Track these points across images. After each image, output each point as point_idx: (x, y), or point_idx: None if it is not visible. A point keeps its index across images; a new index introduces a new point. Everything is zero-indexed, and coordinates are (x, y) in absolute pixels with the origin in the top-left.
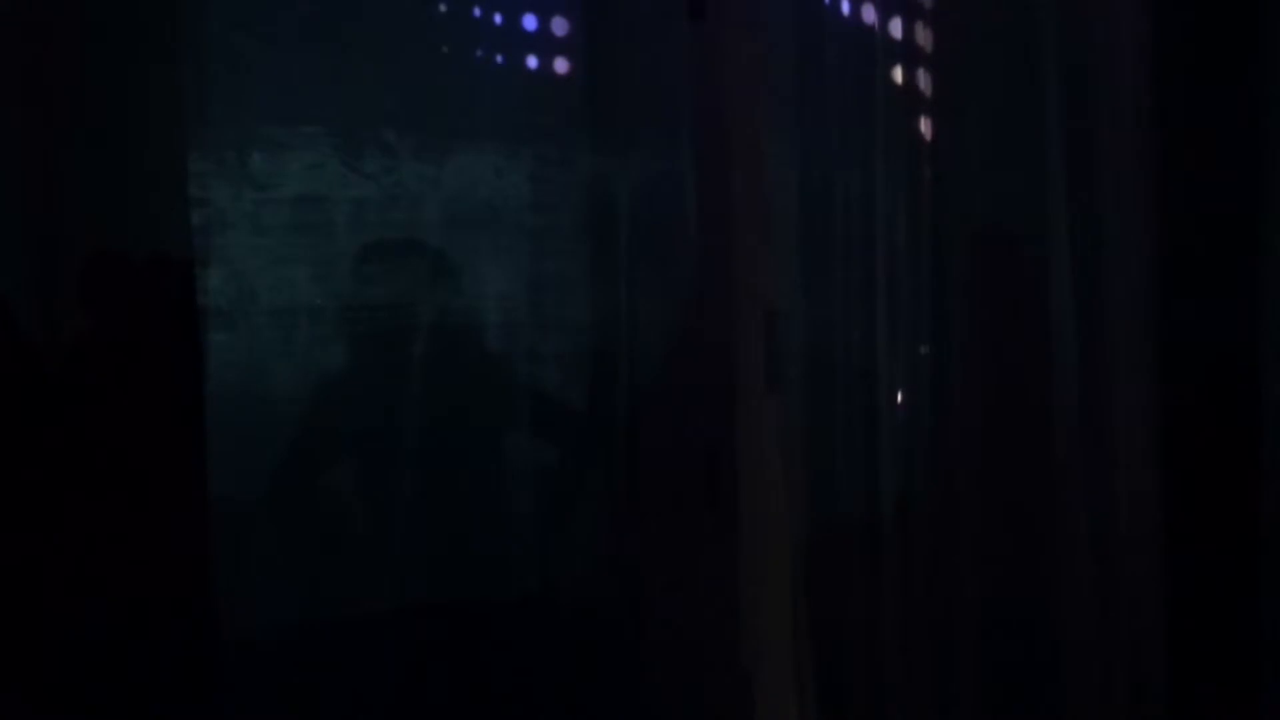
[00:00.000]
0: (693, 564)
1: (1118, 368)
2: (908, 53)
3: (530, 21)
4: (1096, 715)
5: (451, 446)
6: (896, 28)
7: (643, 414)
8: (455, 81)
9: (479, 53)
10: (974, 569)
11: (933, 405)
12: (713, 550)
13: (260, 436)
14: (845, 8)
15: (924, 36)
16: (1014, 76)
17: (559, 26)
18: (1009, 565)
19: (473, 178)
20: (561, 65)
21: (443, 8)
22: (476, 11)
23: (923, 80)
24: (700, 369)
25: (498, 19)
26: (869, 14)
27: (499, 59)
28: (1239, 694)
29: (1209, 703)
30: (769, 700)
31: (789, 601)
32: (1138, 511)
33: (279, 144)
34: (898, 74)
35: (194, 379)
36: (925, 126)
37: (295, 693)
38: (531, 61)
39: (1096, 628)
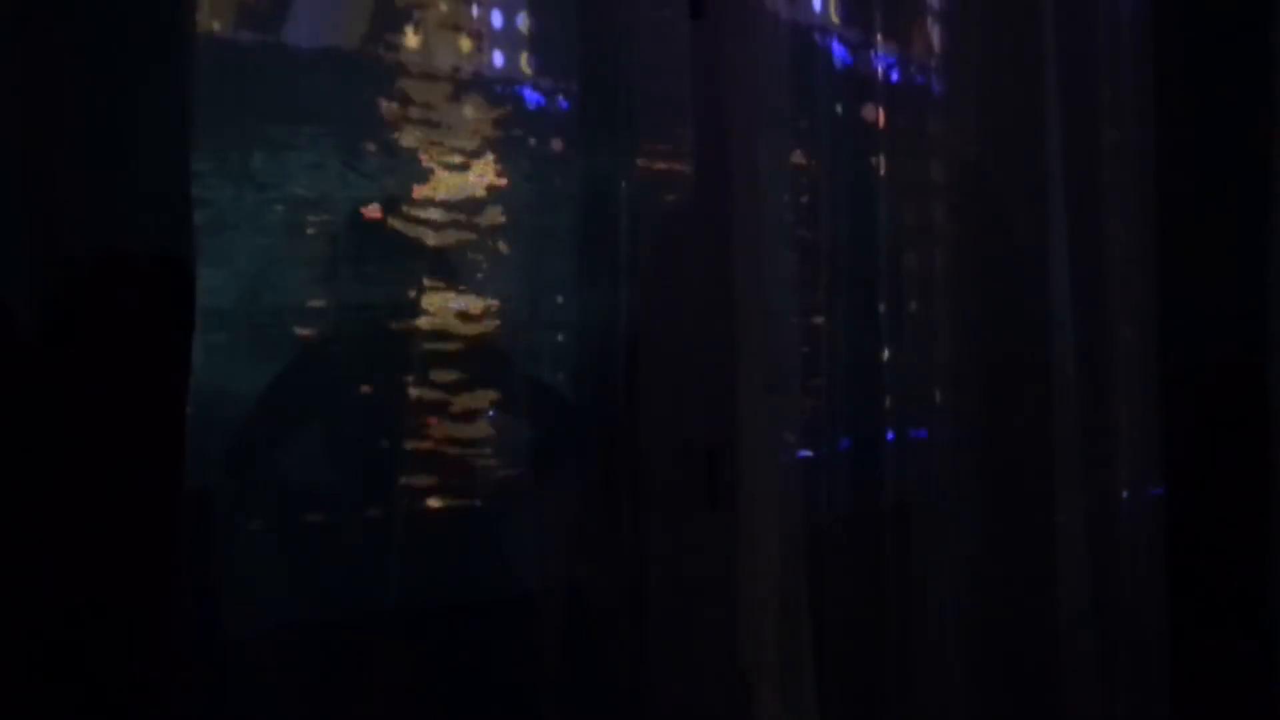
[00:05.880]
0: (693, 564)
1: (1119, 367)
2: (907, 53)
3: (529, 21)
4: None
5: (450, 446)
6: (896, 28)
7: (643, 414)
8: (454, 81)
9: (478, 52)
10: (974, 569)
11: (932, 404)
12: (713, 550)
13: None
14: (845, 8)
15: (924, 36)
16: (1014, 76)
17: (558, 27)
18: (1009, 566)
19: (473, 178)
20: (561, 65)
21: (443, 8)
22: (475, 11)
23: (922, 80)
24: (700, 369)
25: (496, 19)
26: (869, 14)
27: (498, 58)
28: (1242, 697)
29: (1212, 706)
30: (769, 700)
31: (789, 601)
32: (1139, 512)
33: (279, 144)
34: (897, 74)
35: (187, 379)
36: (925, 125)
37: (294, 693)
38: (530, 62)
39: (1097, 630)
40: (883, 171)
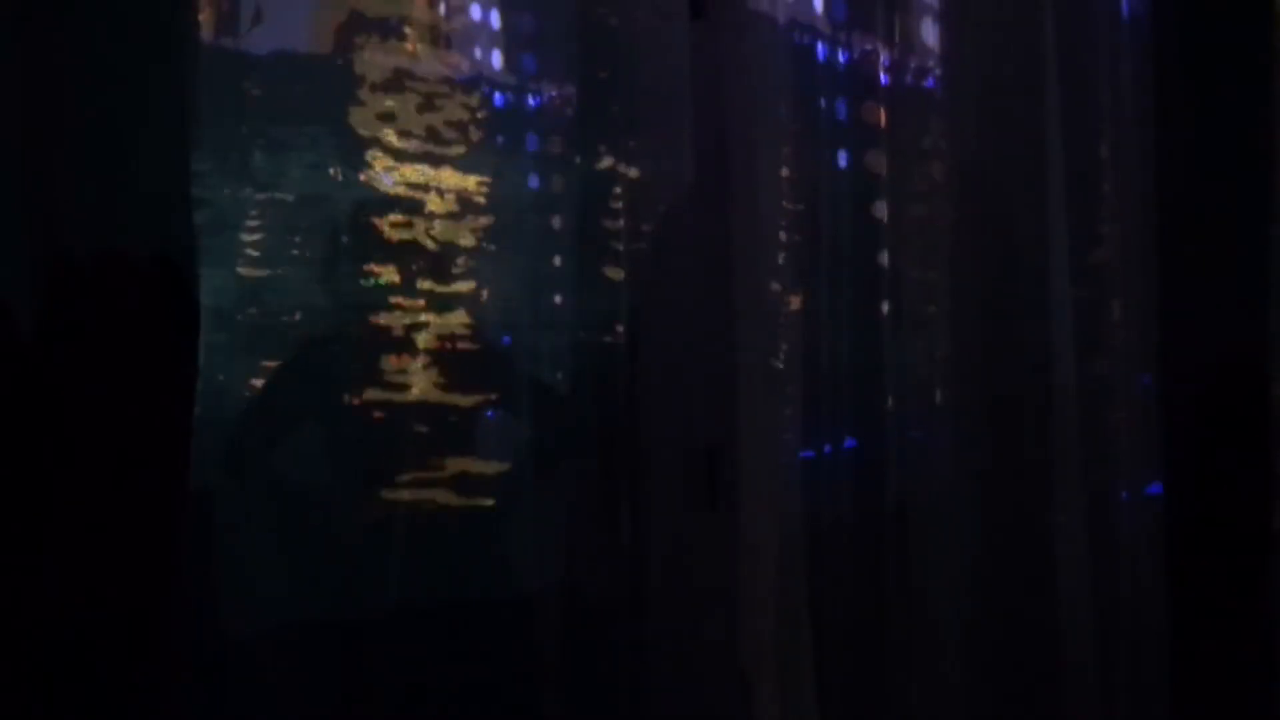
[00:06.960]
0: (693, 564)
1: (1119, 366)
2: (907, 53)
3: (529, 21)
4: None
5: (450, 446)
6: (896, 28)
7: (643, 414)
8: (454, 81)
9: (478, 52)
10: (973, 569)
11: (932, 404)
12: (713, 550)
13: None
14: (844, 8)
15: (924, 36)
16: (1014, 76)
17: (557, 27)
18: (1008, 566)
19: (472, 178)
20: (561, 65)
21: (442, 8)
22: (475, 12)
23: (922, 80)
24: (700, 369)
25: (495, 19)
26: (868, 14)
27: (496, 59)
28: (1242, 697)
29: (1212, 706)
30: (769, 700)
31: (788, 602)
32: (1138, 512)
33: (279, 144)
34: (897, 75)
35: (194, 380)
36: (925, 125)
37: (294, 693)
38: (530, 61)
39: (1097, 630)
40: (883, 172)
